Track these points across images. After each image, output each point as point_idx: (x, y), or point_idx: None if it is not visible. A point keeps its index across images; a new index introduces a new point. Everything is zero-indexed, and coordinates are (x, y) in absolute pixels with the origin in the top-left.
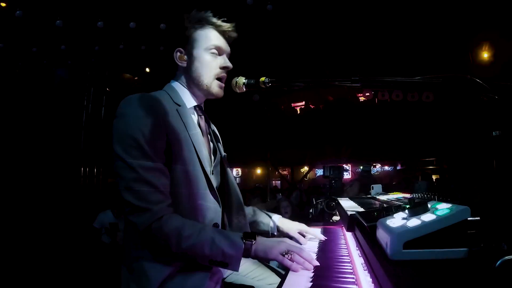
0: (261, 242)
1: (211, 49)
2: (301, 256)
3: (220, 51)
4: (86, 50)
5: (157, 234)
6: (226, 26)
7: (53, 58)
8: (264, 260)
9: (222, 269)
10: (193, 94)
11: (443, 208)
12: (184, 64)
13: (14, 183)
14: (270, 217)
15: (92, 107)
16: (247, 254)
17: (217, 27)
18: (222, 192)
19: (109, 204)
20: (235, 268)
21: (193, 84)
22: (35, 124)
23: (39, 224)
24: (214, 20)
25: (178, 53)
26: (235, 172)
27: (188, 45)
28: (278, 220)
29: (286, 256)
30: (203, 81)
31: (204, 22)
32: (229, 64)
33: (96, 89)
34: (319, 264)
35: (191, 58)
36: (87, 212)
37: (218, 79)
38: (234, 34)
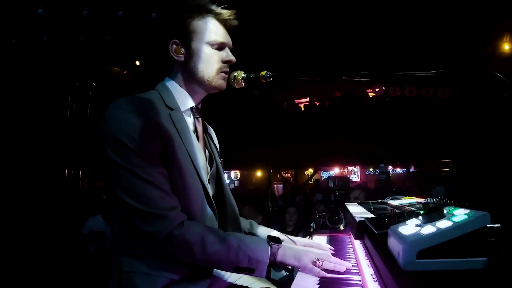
0: (289, 248)
1: (212, 43)
2: (330, 262)
3: (222, 46)
4: (70, 41)
5: (180, 242)
6: (227, 14)
7: (34, 50)
8: (290, 266)
9: (221, 280)
10: (191, 92)
11: (461, 214)
12: (182, 58)
13: None
14: (269, 232)
15: (77, 103)
16: (273, 258)
17: (216, 15)
18: (217, 202)
19: (96, 209)
20: (262, 274)
21: (192, 79)
22: (14, 122)
23: (18, 231)
24: (213, 7)
25: (174, 46)
26: (233, 174)
27: (185, 36)
28: (278, 235)
29: (317, 263)
30: (203, 76)
31: (202, 10)
32: (232, 58)
33: (81, 84)
34: (349, 267)
35: (189, 52)
36: (72, 218)
37: (221, 72)
38: (235, 22)
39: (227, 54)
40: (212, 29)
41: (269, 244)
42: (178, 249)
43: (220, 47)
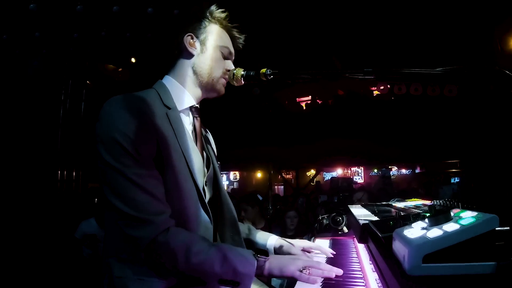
0: (275, 258)
1: (223, 50)
2: (319, 269)
3: (229, 56)
4: (63, 38)
5: (163, 249)
6: (238, 33)
7: (27, 46)
8: (278, 277)
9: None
10: (191, 90)
11: (468, 216)
12: (194, 52)
13: None
14: (267, 237)
15: (70, 102)
16: (260, 272)
17: (229, 31)
18: (214, 206)
19: (90, 211)
20: (247, 287)
21: (196, 76)
22: (5, 121)
23: (9, 234)
24: (228, 24)
25: (189, 38)
26: (233, 176)
27: (202, 34)
28: (277, 240)
29: (304, 271)
30: (210, 74)
31: (222, 21)
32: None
33: (75, 82)
34: (341, 273)
35: (203, 48)
36: (65, 221)
37: (222, 78)
38: (240, 46)
39: (230, 65)
40: (225, 38)
41: (256, 258)
42: (160, 256)
43: (227, 56)
